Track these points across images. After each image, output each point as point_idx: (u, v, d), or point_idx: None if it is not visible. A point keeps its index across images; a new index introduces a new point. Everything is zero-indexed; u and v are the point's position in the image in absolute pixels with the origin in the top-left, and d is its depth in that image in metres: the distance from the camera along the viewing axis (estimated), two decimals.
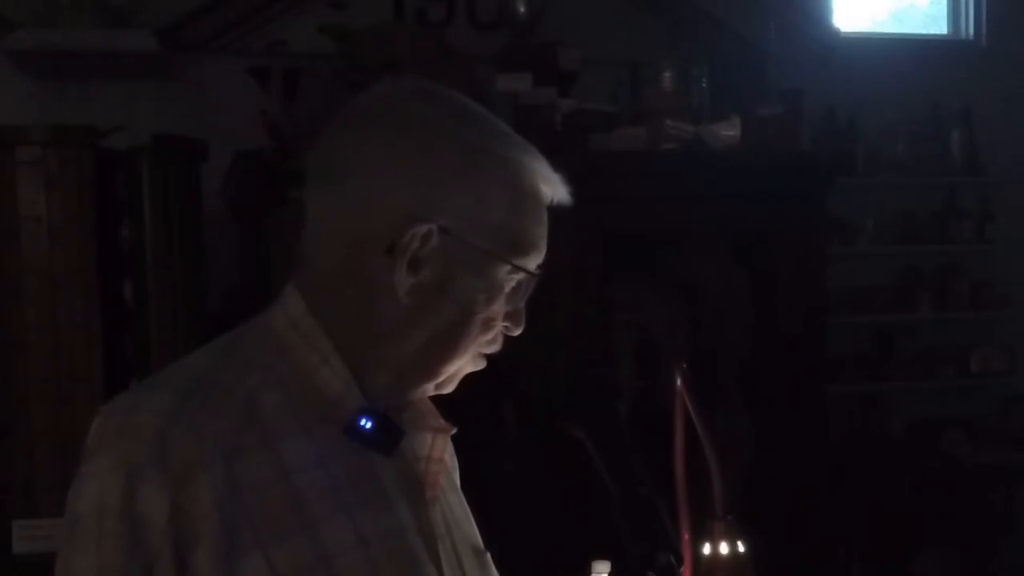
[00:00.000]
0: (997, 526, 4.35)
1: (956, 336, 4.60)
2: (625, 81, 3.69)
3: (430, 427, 1.17)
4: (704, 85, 3.45)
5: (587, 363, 2.81)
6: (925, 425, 4.49)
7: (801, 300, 3.27)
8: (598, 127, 3.18)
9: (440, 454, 1.17)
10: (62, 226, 2.68)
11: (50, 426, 2.65)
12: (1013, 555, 4.34)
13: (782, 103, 3.39)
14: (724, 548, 1.53)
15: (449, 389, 1.19)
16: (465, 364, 1.17)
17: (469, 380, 1.20)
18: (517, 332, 1.17)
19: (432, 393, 1.19)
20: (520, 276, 1.14)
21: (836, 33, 4.30)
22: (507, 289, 1.14)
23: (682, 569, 1.44)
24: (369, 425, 1.10)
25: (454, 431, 1.19)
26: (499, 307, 1.14)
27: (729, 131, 3.23)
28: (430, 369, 1.15)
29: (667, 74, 3.39)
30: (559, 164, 1.16)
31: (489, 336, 1.16)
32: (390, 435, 1.11)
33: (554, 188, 1.15)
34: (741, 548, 1.54)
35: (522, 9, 3.60)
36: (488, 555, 1.26)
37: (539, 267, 1.15)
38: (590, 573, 1.48)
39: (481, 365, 1.18)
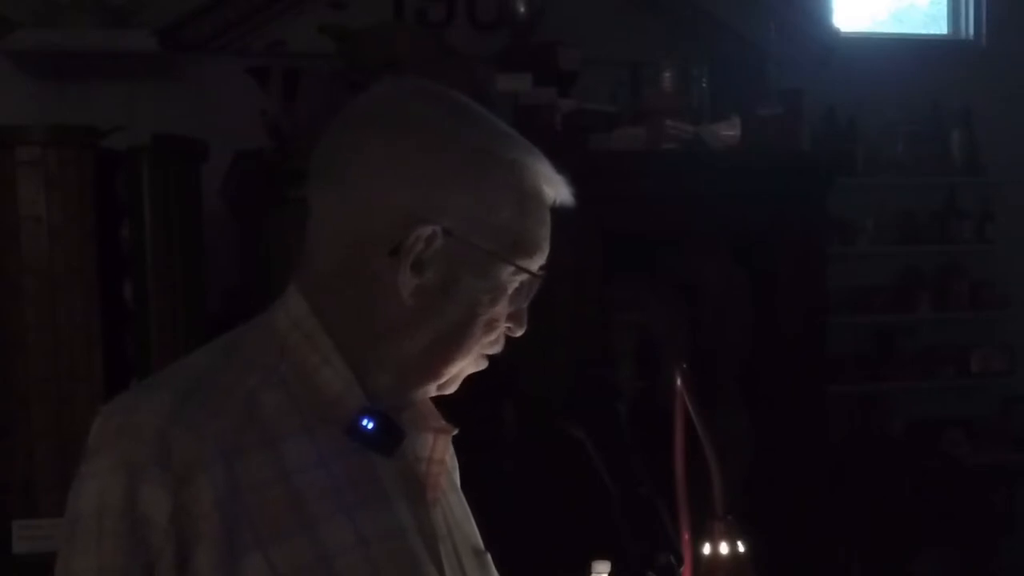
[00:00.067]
0: (997, 526, 4.35)
1: (956, 336, 4.60)
2: (625, 81, 3.69)
3: (431, 428, 1.17)
4: (704, 85, 3.46)
5: (587, 363, 2.81)
6: (925, 425, 4.49)
7: (801, 300, 3.27)
8: (598, 127, 3.18)
9: (441, 455, 1.17)
10: (62, 226, 2.68)
11: (50, 426, 2.65)
12: (1013, 555, 4.34)
13: (782, 103, 3.40)
14: (724, 548, 1.53)
15: (451, 390, 1.19)
16: (467, 365, 1.17)
17: (470, 380, 1.20)
18: (520, 333, 1.17)
19: (434, 394, 1.19)
20: (523, 277, 1.14)
21: (836, 33, 4.30)
22: (510, 290, 1.14)
23: (682, 569, 1.44)
24: (371, 425, 1.10)
25: (455, 432, 1.19)
26: (502, 308, 1.14)
27: (729, 131, 3.23)
28: (433, 370, 1.15)
29: (667, 74, 3.39)
30: (559, 164, 1.16)
31: (492, 337, 1.16)
32: (391, 436, 1.11)
33: (556, 189, 1.15)
34: (741, 548, 1.54)
35: (522, 9, 3.60)
36: (488, 556, 1.26)
37: (542, 268, 1.15)
38: (590, 573, 1.48)
39: (483, 366, 1.18)
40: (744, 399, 3.30)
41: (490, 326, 1.14)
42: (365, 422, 1.10)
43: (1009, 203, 4.63)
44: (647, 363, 3.20)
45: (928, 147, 4.58)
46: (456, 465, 1.29)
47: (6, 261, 2.67)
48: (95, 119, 2.83)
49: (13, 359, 2.67)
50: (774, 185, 3.16)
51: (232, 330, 1.17)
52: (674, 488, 1.50)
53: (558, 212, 1.16)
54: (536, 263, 1.14)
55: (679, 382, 1.52)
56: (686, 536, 1.47)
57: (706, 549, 1.53)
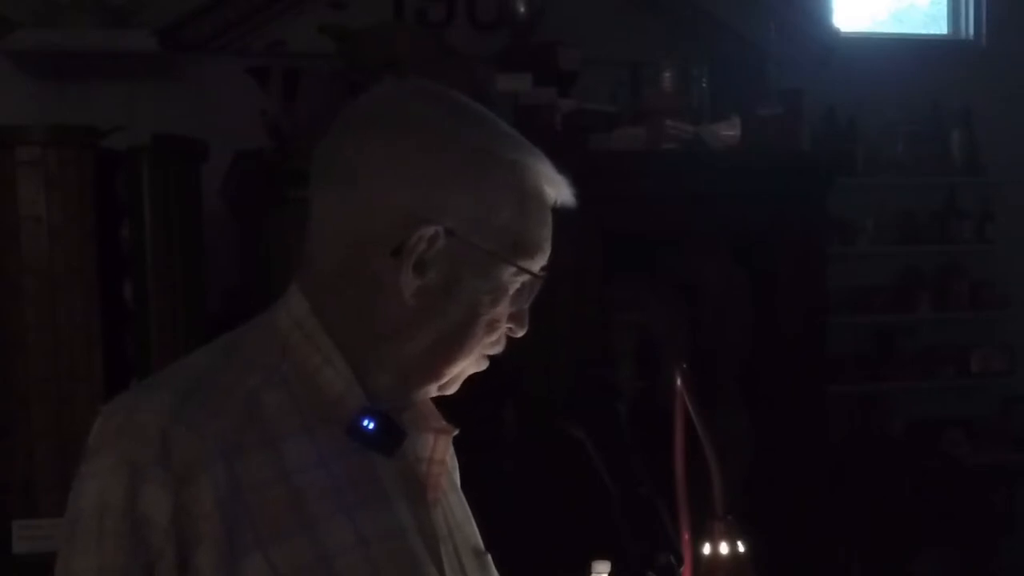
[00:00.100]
0: (997, 526, 4.35)
1: (956, 336, 4.60)
2: (625, 81, 3.69)
3: (432, 428, 1.17)
4: (704, 85, 3.46)
5: (587, 363, 2.81)
6: (925, 425, 4.49)
7: (801, 300, 3.27)
8: (598, 127, 3.18)
9: (442, 456, 1.17)
10: (62, 226, 2.68)
11: (50, 426, 2.65)
12: (1013, 555, 4.34)
13: (782, 103, 3.40)
14: (724, 548, 1.53)
15: (452, 390, 1.19)
16: (469, 365, 1.17)
17: (471, 381, 1.20)
18: (521, 333, 1.17)
19: (435, 394, 1.19)
20: (525, 278, 1.14)
21: (836, 33, 4.30)
22: (512, 291, 1.14)
23: (682, 569, 1.44)
24: (371, 426, 1.10)
25: (456, 432, 1.19)
26: (504, 309, 1.14)
27: (729, 131, 3.23)
28: (434, 370, 1.15)
29: (667, 74, 3.39)
30: (559, 164, 1.16)
31: (493, 337, 1.16)
32: (392, 436, 1.11)
33: (558, 190, 1.15)
34: (741, 548, 1.54)
35: (522, 9, 3.60)
36: (489, 557, 1.26)
37: (543, 269, 1.15)
38: (590, 573, 1.48)
39: (484, 366, 1.18)
40: (744, 399, 3.30)
41: (491, 326, 1.14)
42: (366, 422, 1.10)
43: (1009, 203, 4.63)
44: (647, 363, 3.20)
45: (928, 147, 4.58)
46: (456, 465, 1.29)
47: (6, 261, 2.67)
48: (95, 119, 2.83)
49: (13, 359, 2.67)
50: (774, 185, 3.16)
51: (232, 330, 1.17)
52: (674, 488, 1.50)
53: (558, 212, 1.16)
54: (537, 264, 1.15)
55: (679, 382, 1.52)
56: (686, 536, 1.47)
57: (706, 549, 1.53)
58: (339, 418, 1.10)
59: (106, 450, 1.03)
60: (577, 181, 1.16)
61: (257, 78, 3.16)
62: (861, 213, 4.46)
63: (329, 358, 1.11)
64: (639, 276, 3.27)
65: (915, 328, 4.56)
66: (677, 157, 3.15)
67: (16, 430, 2.66)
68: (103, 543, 1.01)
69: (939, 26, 4.88)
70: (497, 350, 1.17)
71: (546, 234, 1.15)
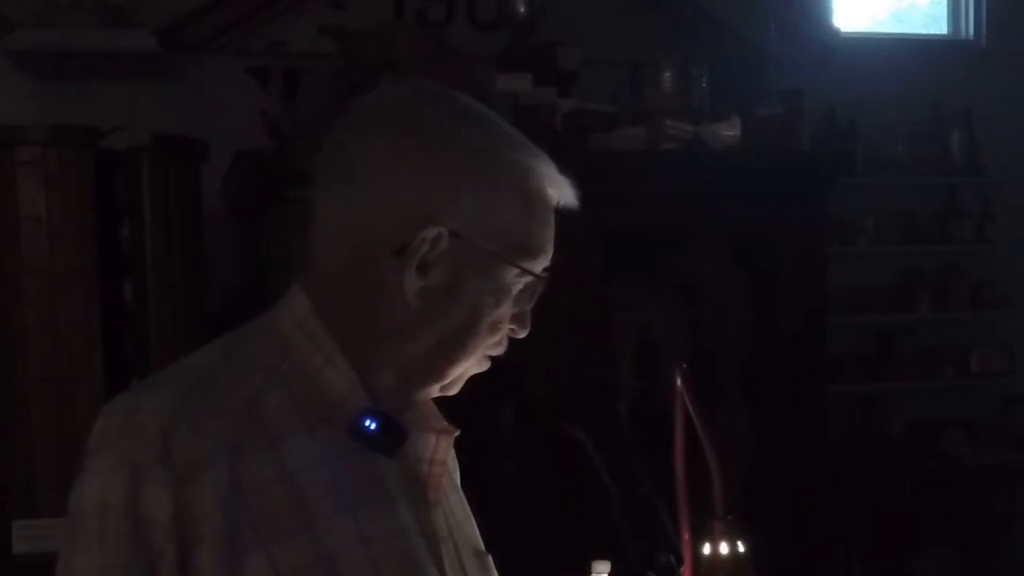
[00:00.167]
0: (997, 526, 4.35)
1: (956, 336, 4.60)
2: (625, 81, 3.69)
3: (433, 429, 1.17)
4: (704, 85, 3.46)
5: (587, 363, 2.81)
6: (925, 425, 4.49)
7: (801, 300, 3.27)
8: (598, 127, 3.18)
9: (443, 456, 1.17)
10: (62, 226, 2.68)
11: (50, 426, 2.65)
12: (1013, 555, 4.34)
13: (782, 103, 3.40)
14: (724, 548, 1.53)
15: (454, 391, 1.19)
16: (471, 366, 1.17)
17: (472, 382, 1.20)
18: (523, 334, 1.18)
19: (437, 395, 1.19)
20: (527, 279, 1.14)
21: (836, 33, 4.30)
22: (514, 292, 1.14)
23: (682, 569, 1.44)
24: (373, 426, 1.10)
25: (457, 433, 1.19)
26: (506, 310, 1.14)
27: (729, 131, 3.23)
28: (436, 371, 1.15)
29: (667, 74, 3.39)
30: (559, 164, 1.16)
31: (496, 338, 1.16)
32: (394, 436, 1.11)
33: (561, 191, 1.15)
34: (741, 548, 1.54)
35: (522, 9, 3.61)
36: (489, 558, 1.26)
37: (545, 270, 1.15)
38: (590, 573, 1.48)
39: (486, 367, 1.18)
40: (744, 399, 3.30)
41: (494, 327, 1.14)
42: (368, 422, 1.10)
43: (1009, 203, 4.63)
44: (647, 363, 3.20)
45: (928, 147, 4.58)
46: (457, 466, 1.29)
47: (6, 261, 2.67)
48: (95, 119, 2.83)
49: (13, 359, 2.67)
50: (774, 185, 3.16)
51: (232, 330, 1.17)
52: (674, 488, 1.50)
53: (559, 213, 1.16)
54: (540, 265, 1.15)
55: (679, 382, 1.52)
56: (686, 536, 1.47)
57: (706, 549, 1.53)
58: (340, 418, 1.10)
59: (107, 450, 1.03)
60: (577, 181, 1.16)
61: (257, 78, 3.16)
62: (861, 213, 4.46)
63: (331, 358, 1.11)
64: (639, 276, 3.27)
65: (915, 328, 4.56)
66: (677, 157, 3.15)
67: (16, 430, 2.66)
68: (105, 542, 1.01)
69: (939, 26, 4.88)
70: (499, 351, 1.17)
71: (549, 235, 1.15)
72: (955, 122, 4.58)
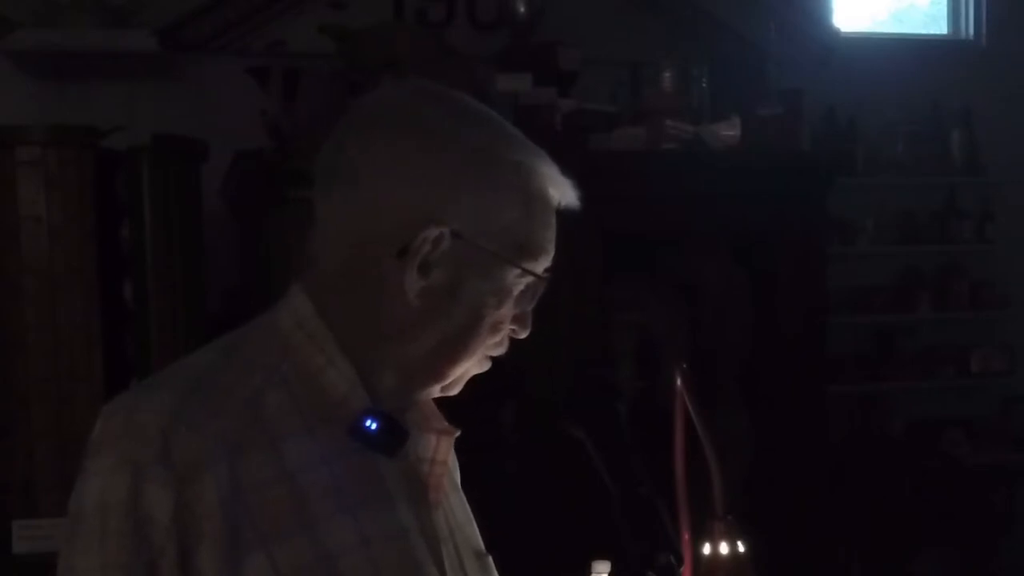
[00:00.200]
0: (997, 526, 4.35)
1: (956, 336, 4.60)
2: (625, 81, 3.69)
3: (434, 429, 1.17)
4: (704, 85, 3.46)
5: (587, 363, 2.81)
6: (925, 425, 4.49)
7: (801, 300, 3.27)
8: (598, 127, 3.18)
9: (444, 456, 1.17)
10: (62, 226, 2.68)
11: (50, 426, 2.65)
12: (1013, 555, 4.34)
13: (782, 103, 3.40)
14: (724, 548, 1.53)
15: (455, 391, 1.19)
16: (472, 366, 1.17)
17: (472, 382, 1.20)
18: (524, 335, 1.18)
19: (438, 395, 1.19)
20: (529, 280, 1.14)
21: (836, 33, 4.30)
22: (515, 292, 1.14)
23: (682, 569, 1.44)
24: (374, 426, 1.10)
25: (458, 433, 1.19)
26: (507, 310, 1.14)
27: (729, 131, 3.23)
28: (437, 371, 1.15)
29: (667, 74, 3.39)
30: (559, 164, 1.16)
31: (497, 339, 1.16)
32: (394, 436, 1.11)
33: (562, 191, 1.15)
34: (741, 548, 1.54)
35: (522, 9, 3.61)
36: (490, 558, 1.26)
37: (547, 271, 1.15)
38: (590, 573, 1.48)
39: (487, 367, 1.18)
40: (744, 399, 3.30)
41: (495, 328, 1.14)
42: (368, 422, 1.10)
43: (1009, 203, 4.63)
44: (647, 363, 3.20)
45: (928, 147, 4.58)
46: (457, 466, 1.29)
47: (6, 261, 2.67)
48: (95, 119, 2.83)
49: (13, 359, 2.67)
50: (774, 185, 3.16)
51: (233, 330, 1.17)
52: (674, 488, 1.50)
53: (560, 213, 1.16)
54: (541, 266, 1.15)
55: (679, 382, 1.52)
56: (686, 536, 1.47)
57: (706, 549, 1.53)
58: (341, 418, 1.10)
59: (107, 450, 1.04)
60: (577, 181, 1.16)
61: (257, 78, 3.16)
62: (861, 213, 4.46)
63: (332, 359, 1.11)
64: (639, 276, 3.27)
65: (915, 328, 4.56)
66: (677, 157, 3.15)
67: (16, 430, 2.66)
68: (106, 542, 1.01)
69: (939, 26, 4.88)
70: (500, 351, 1.17)
71: (550, 236, 1.15)
72: (955, 122, 4.58)
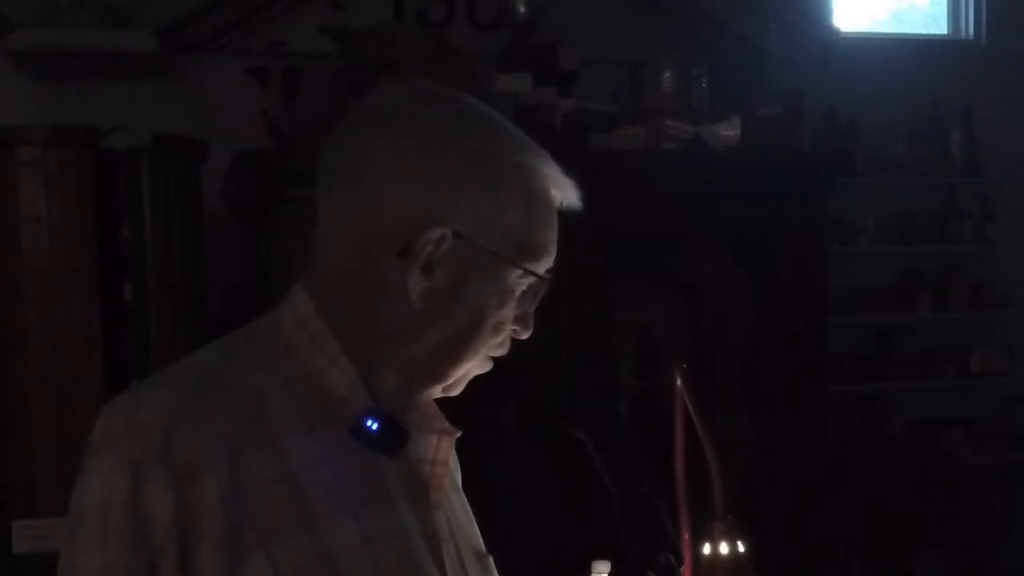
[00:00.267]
0: (997, 526, 4.35)
1: (956, 336, 4.60)
2: (625, 81, 3.69)
3: (435, 429, 1.17)
4: (704, 85, 3.46)
5: (587, 363, 2.81)
6: (925, 425, 4.49)
7: (801, 300, 3.27)
8: (598, 127, 3.18)
9: (445, 457, 1.17)
10: (62, 226, 2.68)
11: (50, 426, 2.65)
12: (1013, 555, 4.34)
13: (782, 103, 3.40)
14: (724, 548, 1.53)
15: (456, 392, 1.19)
16: (474, 367, 1.17)
17: (474, 382, 1.20)
18: (526, 335, 1.18)
19: (439, 395, 1.19)
20: (531, 280, 1.14)
21: (836, 33, 4.30)
22: (517, 293, 1.14)
23: (682, 569, 1.44)
24: (375, 426, 1.10)
25: (459, 434, 1.19)
26: (509, 311, 1.14)
27: (729, 131, 3.23)
28: (439, 372, 1.15)
29: (667, 74, 3.39)
30: (560, 164, 1.16)
31: (499, 339, 1.16)
32: (395, 436, 1.11)
33: (564, 192, 1.15)
34: (741, 548, 1.54)
35: (522, 9, 3.60)
36: (491, 559, 1.26)
37: (549, 271, 1.15)
38: (590, 573, 1.48)
39: (488, 367, 1.18)
40: (744, 399, 3.30)
41: (497, 328, 1.14)
42: (369, 423, 1.10)
43: (1009, 203, 4.63)
44: (647, 363, 3.20)
45: (928, 147, 4.58)
46: (458, 467, 1.29)
47: (6, 261, 2.67)
48: (95, 119, 2.83)
49: (13, 359, 2.67)
50: (774, 185, 3.16)
51: (233, 330, 1.17)
52: (674, 488, 1.50)
53: (561, 213, 1.16)
54: (543, 266, 1.15)
55: (679, 382, 1.52)
56: (686, 536, 1.47)
57: (706, 549, 1.53)
58: (342, 418, 1.10)
59: (107, 449, 1.04)
60: (577, 181, 1.16)
61: (257, 78, 3.16)
62: (861, 213, 4.46)
63: (334, 359, 1.11)
64: (639, 276, 3.27)
65: (915, 328, 4.56)
66: (677, 157, 3.15)
67: (16, 430, 2.66)
68: (106, 541, 1.01)
69: (939, 26, 4.88)
70: (502, 352, 1.17)
71: (552, 237, 1.15)
72: (955, 122, 4.58)
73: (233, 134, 3.16)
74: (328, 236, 1.13)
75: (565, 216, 1.17)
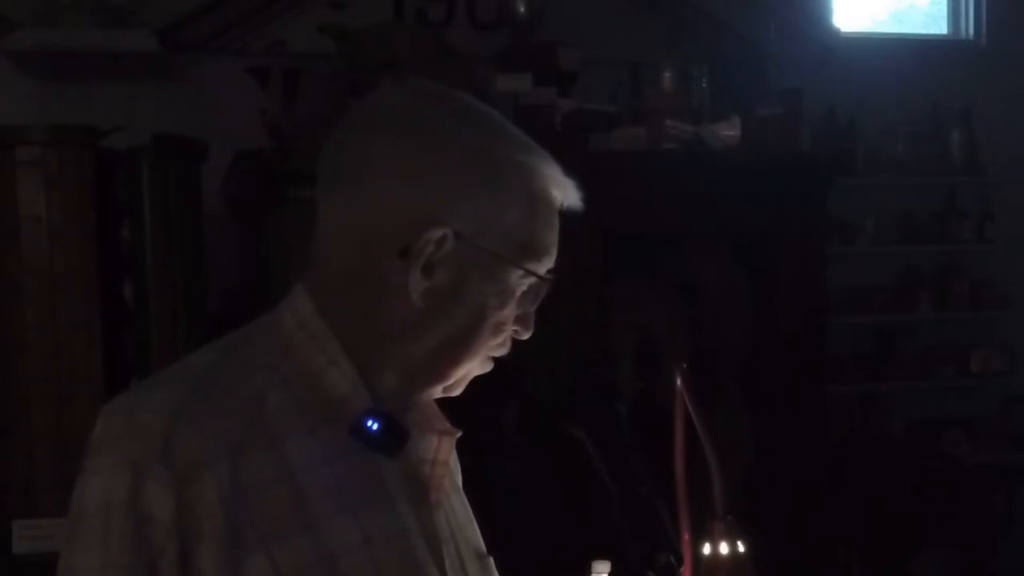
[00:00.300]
0: (997, 526, 4.35)
1: (956, 336, 4.60)
2: (625, 81, 3.69)
3: (435, 430, 1.17)
4: (704, 85, 3.46)
5: (587, 363, 2.81)
6: (925, 425, 4.49)
7: (801, 300, 3.27)
8: (598, 127, 3.18)
9: (445, 457, 1.16)
10: (62, 226, 2.68)
11: (50, 426, 2.65)
12: (1013, 555, 4.34)
13: (782, 103, 3.40)
14: (724, 548, 1.53)
15: (457, 392, 1.19)
16: (474, 367, 1.17)
17: (474, 383, 1.20)
18: (527, 336, 1.18)
19: (440, 396, 1.19)
20: (531, 280, 1.14)
21: (836, 33, 4.30)
22: (518, 293, 1.14)
23: (682, 569, 1.44)
24: (375, 426, 1.10)
25: (460, 434, 1.19)
26: (510, 311, 1.14)
27: (729, 131, 3.23)
28: (440, 372, 1.15)
29: (667, 74, 3.39)
30: (560, 164, 1.16)
31: (499, 339, 1.16)
32: (396, 437, 1.11)
33: (565, 192, 1.15)
34: (741, 548, 1.54)
35: (522, 9, 3.60)
36: (491, 559, 1.26)
37: (549, 271, 1.15)
38: (590, 573, 1.48)
39: (489, 368, 1.18)
40: (744, 399, 3.30)
41: (498, 329, 1.14)
42: (370, 423, 1.10)
43: (1009, 203, 4.63)
44: (647, 363, 3.20)
45: (928, 147, 4.58)
46: (459, 467, 1.29)
47: (6, 261, 2.67)
48: (95, 119, 2.83)
49: (13, 359, 2.67)
50: (774, 185, 3.16)
51: (233, 330, 1.17)
52: (674, 488, 1.49)
53: (561, 214, 1.16)
54: (544, 267, 1.15)
55: (679, 382, 1.52)
56: (686, 536, 1.47)
57: (706, 549, 1.53)
58: (342, 418, 1.10)
59: (107, 449, 1.04)
60: (577, 181, 1.16)
61: (257, 78, 3.16)
62: (861, 213, 4.46)
63: (334, 359, 1.11)
64: (639, 276, 3.27)
65: (915, 328, 4.56)
66: (677, 157, 3.15)
67: (16, 430, 2.66)
68: (107, 541, 1.01)
69: (939, 26, 4.88)
70: (503, 352, 1.17)
71: (553, 237, 1.15)
72: (955, 122, 4.58)
73: (233, 134, 3.16)
74: (328, 236, 1.13)
75: (565, 216, 1.16)
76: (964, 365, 4.57)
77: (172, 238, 2.83)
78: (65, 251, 2.68)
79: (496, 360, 1.18)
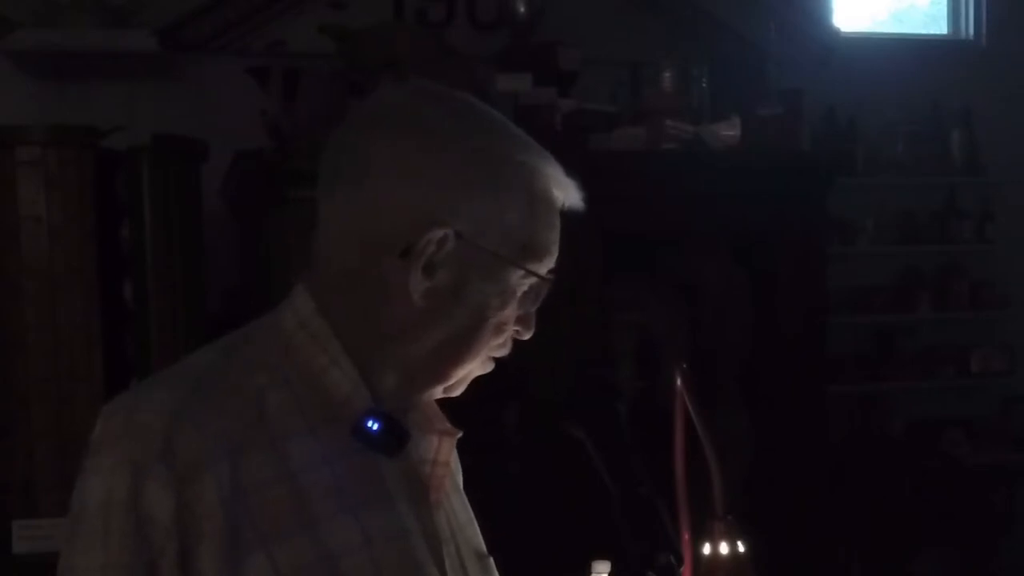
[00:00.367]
0: (997, 526, 4.35)
1: (956, 336, 4.60)
2: (625, 81, 3.69)
3: (436, 430, 1.17)
4: (704, 85, 3.46)
5: (587, 363, 2.81)
6: (925, 425, 4.49)
7: (801, 300, 3.27)
8: (598, 127, 3.18)
9: (446, 457, 1.17)
10: (62, 226, 2.68)
11: (50, 426, 2.65)
12: (1013, 555, 4.34)
13: (782, 103, 3.40)
14: (724, 548, 1.53)
15: (458, 392, 1.19)
16: (475, 367, 1.17)
17: (475, 383, 1.20)
18: (528, 336, 1.18)
19: (440, 396, 1.19)
20: (532, 281, 1.14)
21: (836, 33, 4.30)
22: (519, 294, 1.14)
23: (682, 569, 1.44)
24: (376, 427, 1.10)
25: (460, 435, 1.19)
26: (511, 311, 1.14)
27: (729, 131, 3.23)
28: (440, 372, 1.15)
29: (667, 74, 3.39)
30: (560, 164, 1.16)
31: (500, 340, 1.16)
32: (396, 437, 1.11)
33: (566, 192, 1.15)
34: (741, 548, 1.54)
35: (522, 9, 3.60)
36: (491, 560, 1.26)
37: (551, 272, 1.15)
38: (590, 573, 1.48)
39: (490, 368, 1.18)
40: (744, 399, 3.30)
41: (499, 329, 1.14)
42: (370, 423, 1.10)
43: (1009, 203, 4.63)
44: (647, 363, 3.20)
45: (928, 147, 4.58)
46: (459, 467, 1.29)
47: (6, 261, 2.67)
48: (95, 119, 2.83)
49: (13, 359, 2.67)
50: (774, 185, 3.16)
51: (236, 330, 1.17)
52: (674, 488, 1.50)
53: (562, 214, 1.16)
54: (545, 267, 1.15)
55: (679, 382, 1.52)
56: (686, 536, 1.47)
57: (706, 549, 1.53)
58: (343, 418, 1.10)
59: (108, 449, 1.04)
60: (577, 181, 1.16)
61: (257, 78, 3.16)
62: (861, 213, 4.46)
63: (335, 359, 1.11)
64: (639, 276, 3.27)
65: (915, 328, 4.56)
66: (677, 157, 3.15)
67: (16, 430, 2.66)
68: (107, 541, 1.01)
69: (939, 26, 4.88)
70: (504, 352, 1.17)
71: (554, 237, 1.15)
72: (955, 122, 4.58)
73: (233, 134, 3.16)
74: (329, 236, 1.13)
75: (566, 216, 1.16)
76: (964, 365, 4.57)
77: (172, 238, 2.83)
78: (65, 251, 2.68)
79: (497, 360, 1.18)
